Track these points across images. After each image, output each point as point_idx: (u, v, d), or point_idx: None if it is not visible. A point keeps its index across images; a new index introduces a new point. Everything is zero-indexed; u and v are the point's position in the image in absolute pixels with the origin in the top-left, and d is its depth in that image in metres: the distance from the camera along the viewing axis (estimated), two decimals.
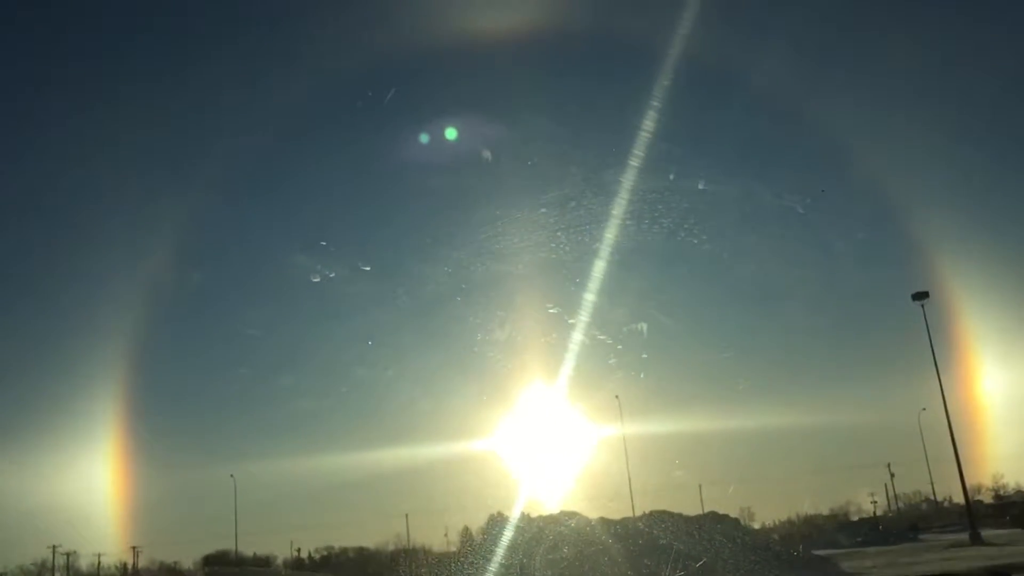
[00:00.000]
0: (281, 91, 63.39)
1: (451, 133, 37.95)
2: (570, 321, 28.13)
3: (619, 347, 32.04)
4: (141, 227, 71.31)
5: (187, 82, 69.18)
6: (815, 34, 60.63)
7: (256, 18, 70.78)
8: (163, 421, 72.67)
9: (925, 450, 59.46)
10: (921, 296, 41.13)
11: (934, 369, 40.61)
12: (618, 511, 35.90)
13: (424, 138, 39.36)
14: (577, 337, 28.43)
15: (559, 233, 27.36)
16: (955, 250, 53.52)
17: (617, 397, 42.64)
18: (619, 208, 28.19)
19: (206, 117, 70.22)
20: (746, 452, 67.40)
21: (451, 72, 52.97)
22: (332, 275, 32.48)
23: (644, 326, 32.38)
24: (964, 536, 39.05)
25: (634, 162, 32.58)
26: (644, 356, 37.56)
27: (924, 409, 52.21)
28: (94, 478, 56.53)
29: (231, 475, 58.34)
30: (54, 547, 61.34)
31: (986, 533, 38.98)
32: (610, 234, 28.30)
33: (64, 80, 71.10)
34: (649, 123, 29.95)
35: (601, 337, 30.83)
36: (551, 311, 28.20)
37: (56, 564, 62.26)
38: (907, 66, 62.55)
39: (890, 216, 53.47)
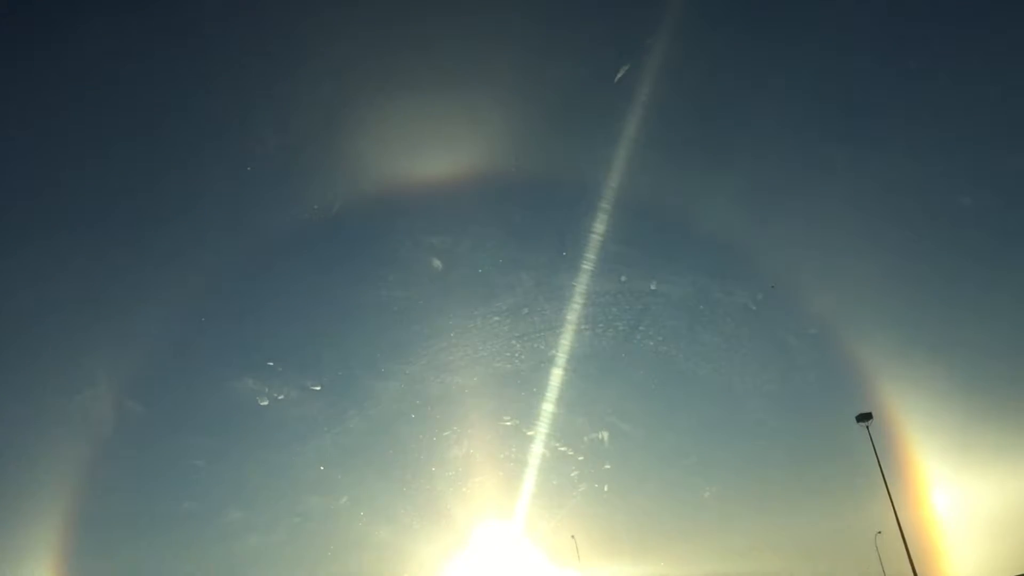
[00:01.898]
0: (221, 208, 62.44)
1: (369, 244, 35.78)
2: (529, 433, 27.29)
3: (580, 458, 31.12)
4: (72, 355, 67.97)
5: (122, 204, 68.08)
6: (758, 151, 62.84)
7: (194, 133, 70.43)
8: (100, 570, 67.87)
9: (884, 574, 58.69)
10: (865, 418, 41.78)
11: (884, 491, 40.82)
12: None
13: (369, 244, 37.27)
14: (537, 450, 27.49)
15: (513, 342, 26.92)
16: (899, 372, 54.68)
17: (573, 537, 41.51)
18: (573, 313, 28.03)
19: (143, 238, 68.61)
20: None
21: (398, 184, 52.83)
22: (281, 397, 31.51)
23: (605, 435, 31.72)
24: None
25: (585, 265, 32.76)
26: (607, 467, 36.42)
27: (880, 532, 51.90)
28: None
29: None
30: None
31: None
32: (565, 340, 27.99)
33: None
34: (599, 225, 30.25)
35: (562, 449, 29.89)
36: (508, 424, 27.24)
37: None
38: (854, 189, 65.17)
39: (836, 337, 54.46)
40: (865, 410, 42.63)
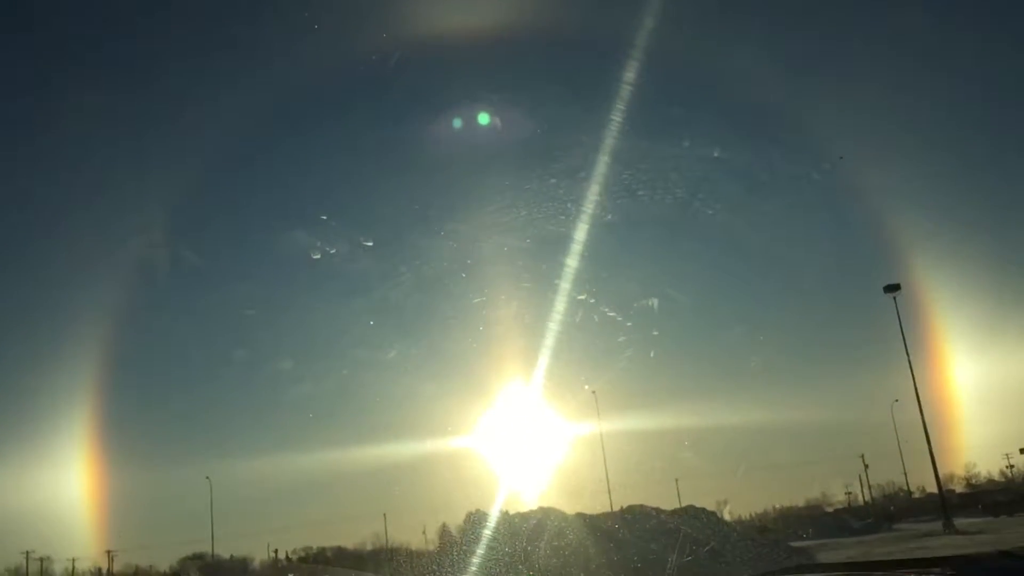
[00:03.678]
0: (278, 62, 61.10)
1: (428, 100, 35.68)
2: (579, 297, 26.97)
3: (629, 324, 30.95)
4: (131, 204, 68.52)
5: (181, 53, 67.06)
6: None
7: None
8: (142, 414, 71.42)
9: (898, 441, 60.13)
10: (892, 288, 41.55)
11: (906, 361, 41.16)
12: (596, 506, 35.66)
13: (428, 101, 36.42)
14: (586, 313, 27.36)
15: (569, 204, 26.03)
16: (928, 245, 54.07)
17: (593, 392, 42.48)
18: (632, 178, 27.11)
19: (200, 89, 67.73)
20: (722, 447, 68.08)
21: (457, 38, 50.80)
22: (333, 251, 31.30)
23: (655, 302, 31.39)
24: (938, 525, 39.50)
25: (647, 129, 31.29)
26: (655, 333, 36.55)
27: (897, 401, 52.75)
28: (68, 480, 55.78)
29: (207, 477, 57.87)
30: (27, 552, 60.55)
31: (959, 522, 39.46)
32: (622, 205, 27.27)
33: (50, 56, 69.29)
34: (663, 88, 28.57)
35: (611, 314, 29.72)
36: (559, 286, 26.64)
37: (30, 570, 61.40)
38: (892, 68, 62.74)
39: (867, 214, 53.67)
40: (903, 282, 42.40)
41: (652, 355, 35.23)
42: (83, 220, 71.30)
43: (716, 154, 32.14)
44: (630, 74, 25.63)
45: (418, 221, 48.41)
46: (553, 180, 27.60)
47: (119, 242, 68.41)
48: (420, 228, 45.77)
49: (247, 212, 70.52)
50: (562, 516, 27.60)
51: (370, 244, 33.84)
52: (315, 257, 32.19)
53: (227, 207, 70.89)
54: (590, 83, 47.00)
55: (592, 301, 28.07)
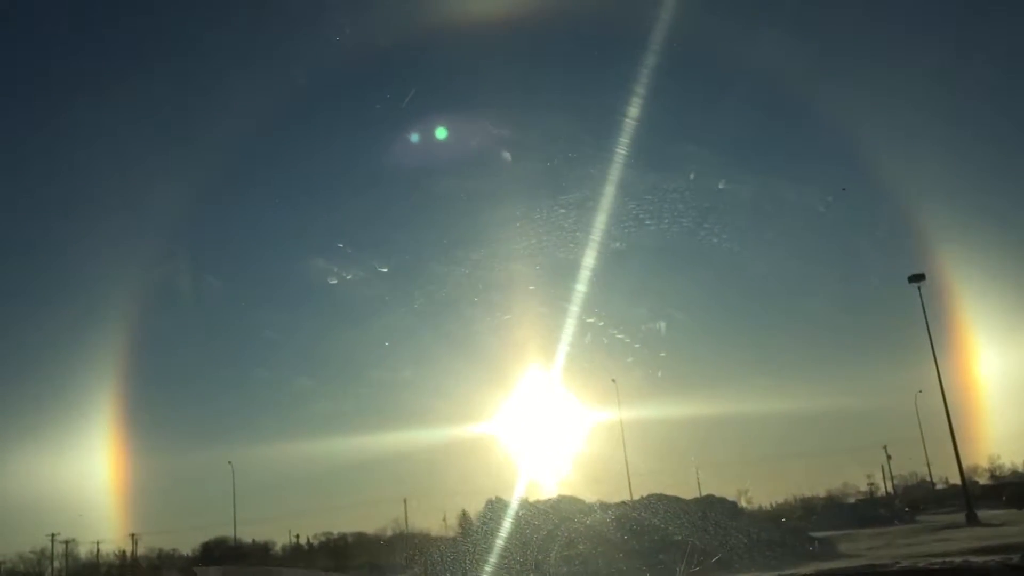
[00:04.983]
0: (297, 94, 62.65)
1: (441, 133, 37.25)
2: (588, 320, 27.92)
3: (637, 346, 32.17)
4: (158, 230, 70.30)
5: (203, 88, 68.68)
6: (821, 28, 60.31)
7: (275, 19, 69.07)
8: (164, 409, 72.60)
9: (922, 432, 59.63)
10: (917, 278, 41.12)
11: (931, 352, 40.79)
12: (615, 494, 35.93)
13: (442, 133, 37.84)
14: (595, 336, 28.43)
15: (578, 233, 26.94)
16: (954, 236, 53.52)
17: (614, 381, 42.92)
18: (639, 209, 28.19)
19: (223, 120, 69.12)
20: (743, 436, 68.06)
21: (473, 72, 51.65)
22: (350, 277, 32.30)
23: (663, 325, 32.67)
24: (960, 517, 39.20)
25: (655, 163, 32.59)
26: (662, 354, 37.68)
27: (921, 391, 52.28)
28: (93, 466, 56.60)
29: (229, 462, 58.48)
30: (53, 535, 61.46)
31: (982, 513, 39.15)
32: (629, 234, 28.37)
33: (67, 73, 70.35)
34: (670, 124, 29.88)
35: (620, 336, 30.88)
36: (568, 310, 27.63)
37: (55, 552, 62.42)
38: (913, 58, 62.22)
39: (891, 201, 53.23)
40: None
41: (660, 375, 36.91)
42: (112, 240, 73.91)
43: (721, 186, 33.17)
44: (638, 110, 26.67)
45: (432, 249, 50.21)
46: (562, 210, 28.58)
47: (145, 261, 70.24)
48: (434, 256, 47.05)
49: (267, 240, 72.54)
50: (582, 504, 27.71)
51: (385, 270, 34.78)
52: (332, 282, 33.27)
53: (250, 236, 73.32)
54: (600, 117, 48.48)
55: (601, 324, 29.19)
